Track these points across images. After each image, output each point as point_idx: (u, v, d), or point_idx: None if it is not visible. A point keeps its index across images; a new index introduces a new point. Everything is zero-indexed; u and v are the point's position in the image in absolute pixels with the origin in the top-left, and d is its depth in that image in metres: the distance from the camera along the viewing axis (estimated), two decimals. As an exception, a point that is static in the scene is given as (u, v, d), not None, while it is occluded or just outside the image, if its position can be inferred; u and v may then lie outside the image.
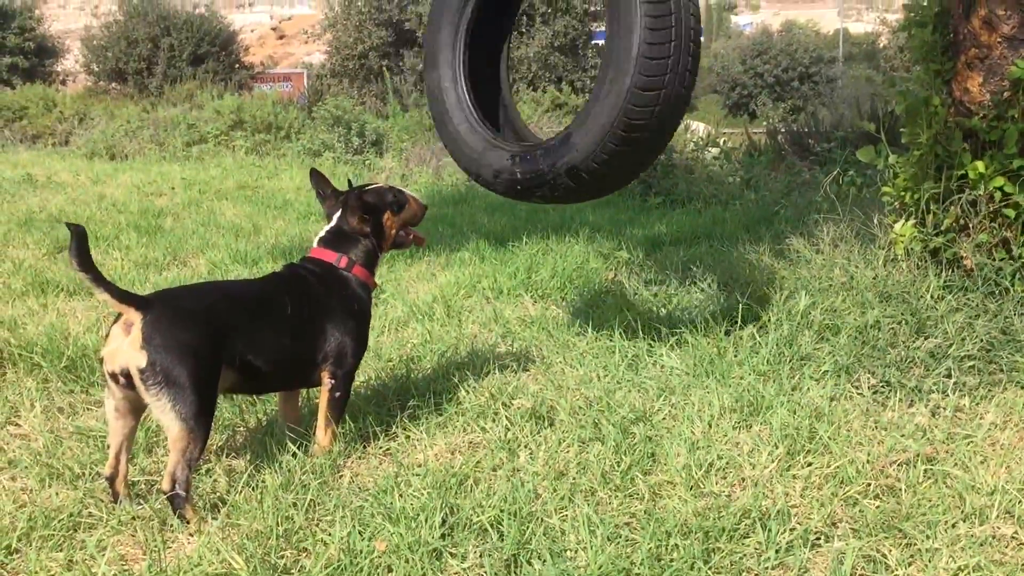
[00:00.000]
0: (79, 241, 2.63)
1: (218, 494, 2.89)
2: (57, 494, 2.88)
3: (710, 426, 3.29)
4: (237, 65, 26.99)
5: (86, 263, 2.64)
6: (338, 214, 3.34)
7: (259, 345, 2.96)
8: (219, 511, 2.75)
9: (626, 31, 3.34)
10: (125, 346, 2.67)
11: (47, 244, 6.61)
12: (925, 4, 4.64)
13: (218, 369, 2.81)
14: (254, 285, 3.36)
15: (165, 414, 2.67)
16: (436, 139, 13.97)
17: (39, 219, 7.72)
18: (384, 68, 20.71)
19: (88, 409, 3.60)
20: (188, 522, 2.67)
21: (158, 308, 2.74)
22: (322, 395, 3.17)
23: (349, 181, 3.32)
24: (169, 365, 2.65)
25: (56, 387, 3.77)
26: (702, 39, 3.51)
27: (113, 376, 2.70)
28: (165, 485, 2.67)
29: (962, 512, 2.69)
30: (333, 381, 3.15)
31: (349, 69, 22.22)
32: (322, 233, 3.35)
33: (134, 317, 2.69)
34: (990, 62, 4.18)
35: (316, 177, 3.41)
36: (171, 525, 2.68)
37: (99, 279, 2.67)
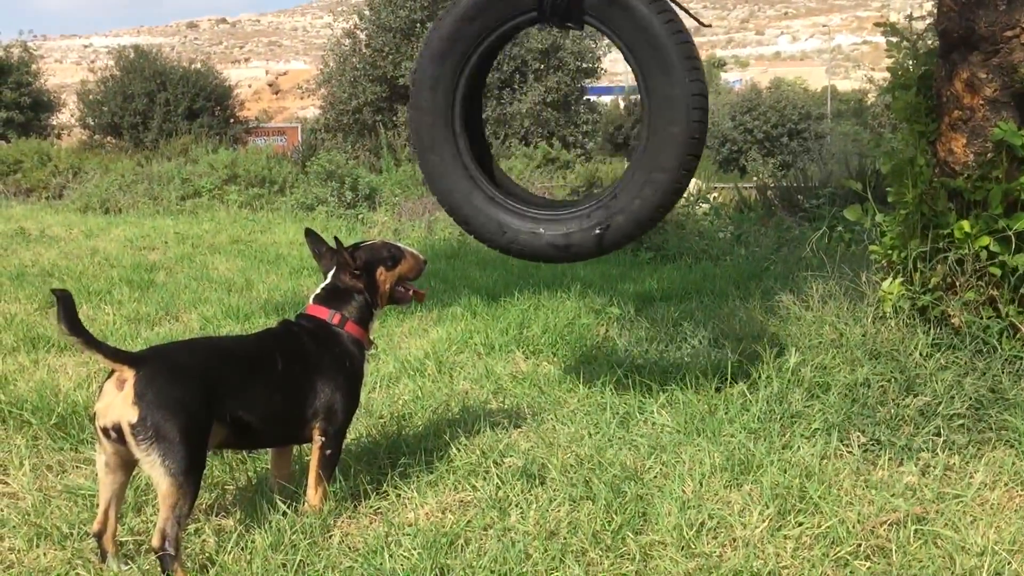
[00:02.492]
0: (66, 306, 2.65)
1: (207, 554, 2.87)
2: (45, 555, 2.86)
3: (701, 485, 3.29)
4: (232, 119, 27.25)
5: (75, 327, 2.67)
6: (332, 271, 3.37)
7: (250, 401, 2.98)
8: (208, 572, 2.74)
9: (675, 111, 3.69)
10: (118, 401, 2.69)
11: (39, 299, 6.61)
12: (909, 67, 4.73)
13: (209, 425, 2.82)
14: (246, 341, 3.39)
15: (155, 469, 2.67)
16: (429, 193, 14.08)
17: (31, 273, 7.73)
18: (378, 123, 20.92)
19: (77, 467, 3.58)
20: None
21: (151, 364, 2.76)
22: (313, 452, 3.17)
23: (336, 239, 3.36)
24: (160, 420, 2.67)
25: (46, 444, 3.75)
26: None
27: (105, 431, 2.71)
28: (155, 542, 2.66)
29: (952, 573, 2.69)
30: (324, 438, 3.15)
31: (343, 124, 22.42)
32: (317, 290, 3.38)
33: (127, 374, 2.72)
34: (973, 124, 4.26)
35: (311, 237, 3.45)
36: (159, 586, 2.66)
37: (90, 341, 2.69)
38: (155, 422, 2.66)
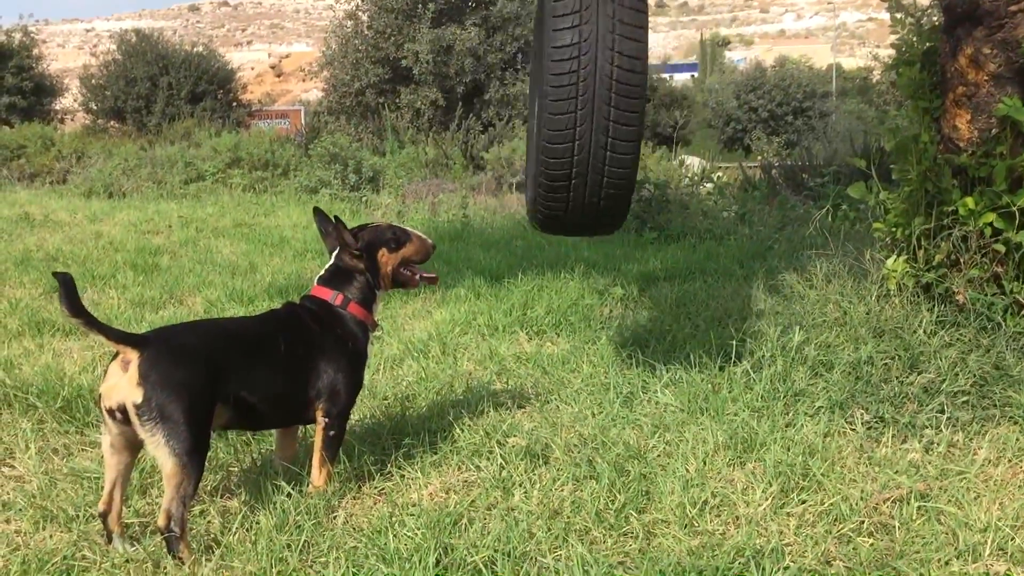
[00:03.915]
0: (67, 288, 2.66)
1: (212, 535, 2.88)
2: (51, 536, 2.87)
3: (704, 463, 3.29)
4: (235, 103, 27.19)
5: (77, 309, 2.67)
6: (336, 252, 3.37)
7: (253, 382, 2.99)
8: (213, 552, 2.75)
9: None
10: (122, 383, 2.70)
11: (44, 283, 6.62)
12: (913, 43, 4.70)
13: (212, 406, 2.83)
14: (249, 323, 3.40)
15: (159, 449, 2.69)
16: (432, 175, 14.06)
17: (36, 258, 7.75)
18: (381, 105, 20.87)
19: (83, 450, 3.60)
20: (184, 562, 2.67)
21: (155, 345, 2.77)
22: (317, 433, 3.18)
23: (336, 218, 3.34)
24: (164, 401, 2.68)
25: (51, 428, 3.77)
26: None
27: (110, 412, 2.73)
28: (161, 522, 2.68)
29: (955, 549, 2.69)
30: (327, 419, 3.16)
31: (346, 106, 22.37)
32: (322, 272, 3.38)
33: (131, 355, 2.73)
34: (977, 100, 4.23)
35: (319, 215, 3.45)
36: (164, 568, 2.68)
37: (92, 322, 2.70)
38: (159, 403, 2.68)
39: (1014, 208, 4.06)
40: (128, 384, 2.69)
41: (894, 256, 4.52)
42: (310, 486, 3.14)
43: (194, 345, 2.89)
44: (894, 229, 4.60)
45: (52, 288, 6.51)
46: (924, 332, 4.12)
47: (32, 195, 14.04)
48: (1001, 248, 4.14)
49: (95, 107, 26.37)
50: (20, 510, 3.04)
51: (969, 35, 4.21)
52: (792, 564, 2.63)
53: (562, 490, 3.12)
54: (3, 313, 5.70)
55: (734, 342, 4.39)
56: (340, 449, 3.24)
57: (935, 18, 4.82)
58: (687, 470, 3.22)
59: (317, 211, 3.46)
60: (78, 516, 2.99)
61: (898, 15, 4.81)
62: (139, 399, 2.67)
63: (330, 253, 3.41)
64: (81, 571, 2.70)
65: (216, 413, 2.86)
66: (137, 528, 2.96)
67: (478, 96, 21.95)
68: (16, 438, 3.63)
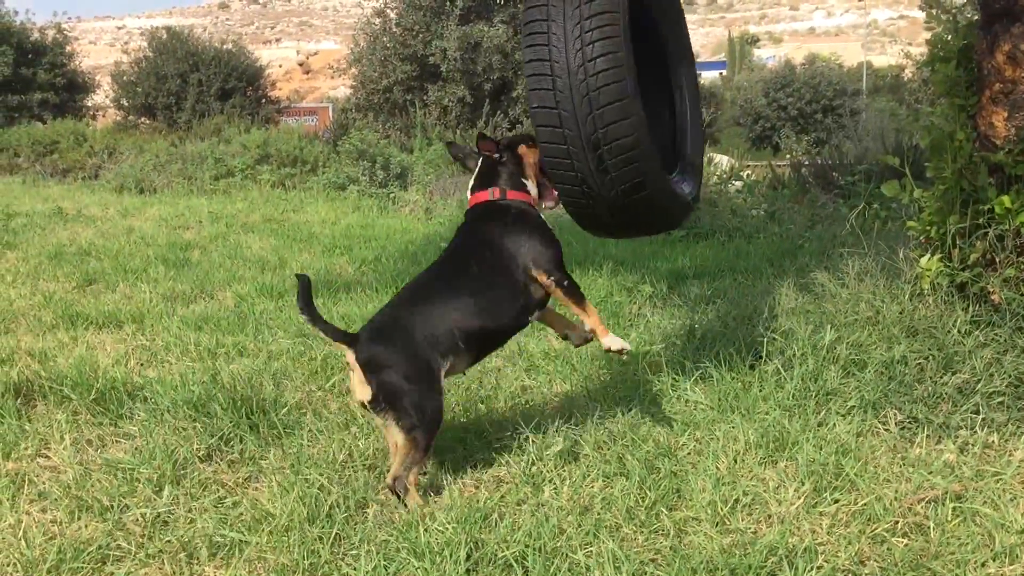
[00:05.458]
0: (304, 289, 2.98)
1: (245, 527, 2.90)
2: (86, 526, 2.91)
3: (735, 462, 3.27)
4: (264, 100, 27.34)
5: (307, 307, 2.98)
6: (481, 159, 3.54)
7: (468, 320, 3.19)
8: (244, 547, 2.76)
9: None
10: (356, 384, 3.03)
11: (77, 277, 6.69)
12: (949, 39, 4.65)
13: (436, 374, 3.07)
14: (437, 268, 3.48)
15: (391, 430, 3.04)
16: (459, 172, 14.05)
17: (69, 252, 7.83)
18: (408, 102, 20.90)
19: (116, 441, 3.64)
20: (408, 508, 2.96)
21: (366, 342, 3.05)
22: (560, 298, 3.34)
23: (480, 132, 3.52)
24: (388, 393, 3.00)
25: (85, 419, 3.81)
26: None
27: (361, 407, 3.10)
28: (388, 480, 3.01)
29: (992, 551, 2.66)
30: (553, 280, 3.31)
31: (374, 103, 22.40)
32: (471, 183, 3.56)
33: (349, 355, 3.03)
34: (1015, 97, 4.18)
35: (452, 147, 3.71)
36: (197, 559, 2.70)
37: (316, 319, 3.00)
38: (385, 395, 2.98)
39: (1052, 207, 4.00)
40: (359, 384, 3.00)
41: (928, 255, 4.47)
42: (595, 337, 3.39)
43: (403, 326, 3.10)
44: (928, 228, 4.54)
45: (85, 281, 6.58)
46: (959, 332, 4.06)
47: (65, 190, 14.21)
48: (1038, 247, 4.08)
49: (126, 103, 26.60)
50: (56, 500, 3.08)
51: (1007, 31, 4.15)
52: (825, 564, 2.62)
53: (592, 487, 3.11)
54: (37, 306, 5.77)
55: (764, 340, 4.36)
56: (577, 288, 3.38)
57: (971, 14, 4.75)
58: (718, 468, 3.21)
59: (450, 144, 3.73)
60: (112, 506, 3.02)
61: (934, 11, 4.75)
62: (368, 396, 2.98)
63: (473, 170, 3.57)
64: (115, 561, 2.73)
65: (451, 367, 3.13)
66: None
67: (505, 93, 21.92)
68: (51, 429, 3.67)
